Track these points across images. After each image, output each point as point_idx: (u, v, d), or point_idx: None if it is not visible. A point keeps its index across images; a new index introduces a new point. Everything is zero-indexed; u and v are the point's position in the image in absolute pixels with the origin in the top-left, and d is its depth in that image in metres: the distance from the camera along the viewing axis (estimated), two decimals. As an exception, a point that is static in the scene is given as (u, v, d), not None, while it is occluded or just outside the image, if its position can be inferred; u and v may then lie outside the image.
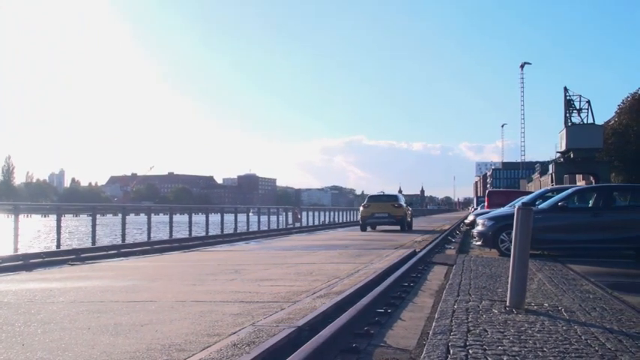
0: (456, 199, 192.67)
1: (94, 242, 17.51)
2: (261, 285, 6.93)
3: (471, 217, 23.33)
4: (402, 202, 24.28)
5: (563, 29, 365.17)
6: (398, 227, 22.99)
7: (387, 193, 28.15)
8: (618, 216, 11.80)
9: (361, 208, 24.21)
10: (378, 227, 24.32)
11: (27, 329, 4.53)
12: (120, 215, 21.58)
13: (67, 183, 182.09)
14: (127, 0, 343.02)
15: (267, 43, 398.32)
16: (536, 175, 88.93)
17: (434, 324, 4.69)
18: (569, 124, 49.80)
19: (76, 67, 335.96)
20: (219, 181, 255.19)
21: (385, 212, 22.96)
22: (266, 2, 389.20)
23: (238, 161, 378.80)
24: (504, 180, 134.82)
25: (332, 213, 46.15)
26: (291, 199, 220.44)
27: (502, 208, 16.06)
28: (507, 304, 5.45)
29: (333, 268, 8.75)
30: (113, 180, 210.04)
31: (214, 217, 29.24)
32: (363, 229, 23.45)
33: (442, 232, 20.86)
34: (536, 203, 13.11)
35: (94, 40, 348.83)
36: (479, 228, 12.61)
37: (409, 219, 24.48)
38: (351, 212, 50.39)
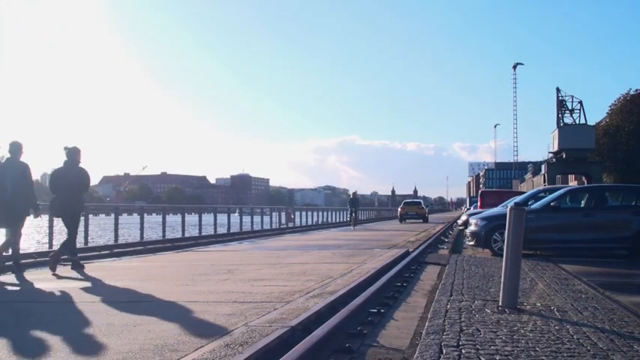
0: (449, 199, 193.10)
1: (86, 242, 17.40)
2: (254, 285, 6.92)
3: (464, 217, 23.41)
4: (423, 205, 41.23)
5: (556, 30, 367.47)
6: (421, 220, 36.23)
7: (413, 199, 51.62)
8: (610, 216, 11.86)
9: (399, 209, 39.16)
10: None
11: (18, 330, 4.51)
12: (112, 215, 21.47)
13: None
14: (119, 2, 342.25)
15: (260, 43, 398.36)
16: (528, 176, 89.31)
17: (427, 324, 4.70)
18: (562, 124, 49.99)
19: (69, 67, 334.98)
20: (212, 181, 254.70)
21: (414, 211, 37.83)
22: (259, 3, 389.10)
23: (231, 161, 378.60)
24: (497, 180, 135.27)
25: (325, 213, 46.14)
26: (284, 199, 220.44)
27: (495, 209, 16.11)
28: (500, 303, 5.47)
29: (327, 268, 8.75)
30: (106, 180, 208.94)
31: (207, 217, 29.16)
32: (401, 221, 36.53)
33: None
34: (529, 203, 13.16)
35: (87, 41, 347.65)
36: (472, 228, 12.64)
37: (427, 215, 39.09)
38: (344, 212, 50.41)
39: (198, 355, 3.63)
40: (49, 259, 8.88)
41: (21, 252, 9.62)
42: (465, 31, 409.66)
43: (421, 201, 45.05)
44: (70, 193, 9.03)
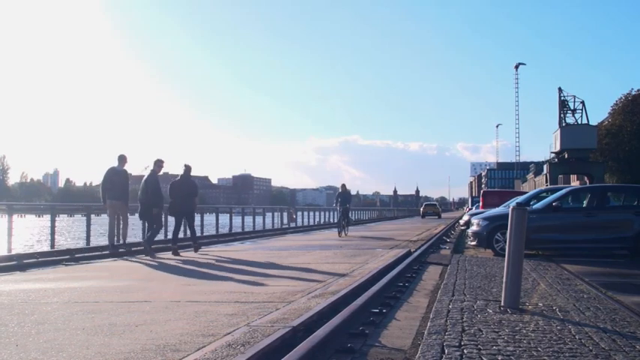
0: (451, 199, 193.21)
1: (88, 242, 17.34)
2: (256, 285, 6.92)
3: (465, 217, 23.38)
4: (438, 205, 64.39)
5: (558, 30, 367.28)
6: (436, 217, 52.62)
7: (431, 201, 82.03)
8: (612, 216, 11.85)
9: (421, 208, 59.75)
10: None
11: (21, 330, 4.51)
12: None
13: (61, 183, 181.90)
14: (120, 2, 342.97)
15: (261, 43, 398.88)
16: (530, 176, 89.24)
17: (429, 324, 4.70)
18: (564, 124, 49.97)
19: (71, 68, 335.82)
20: (214, 181, 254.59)
21: (432, 210, 56.78)
22: (260, 3, 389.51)
23: (233, 161, 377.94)
24: (499, 180, 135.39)
25: (327, 213, 46.09)
26: (286, 199, 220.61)
27: (497, 208, 16.08)
28: (502, 303, 5.46)
29: (328, 268, 8.75)
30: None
31: (209, 217, 29.14)
32: (423, 217, 53.46)
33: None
34: (531, 203, 13.14)
35: (89, 41, 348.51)
36: (474, 228, 12.62)
37: (440, 213, 58.27)
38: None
39: (200, 355, 3.64)
40: (173, 247, 12.43)
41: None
42: (466, 31, 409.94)
43: (437, 203, 72.68)
44: (185, 198, 12.49)
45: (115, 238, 13.13)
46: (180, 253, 12.13)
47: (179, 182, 12.67)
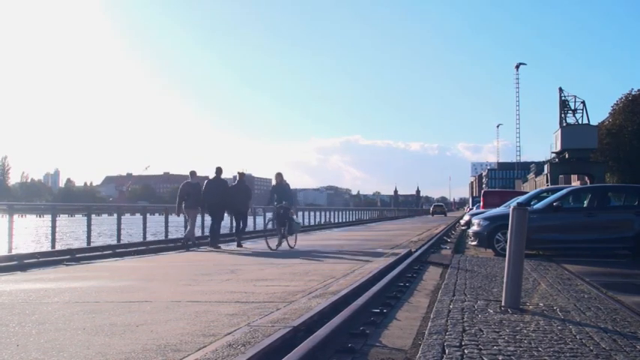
0: (451, 200, 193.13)
1: (89, 242, 17.38)
2: (256, 285, 6.92)
3: (466, 217, 23.39)
4: (444, 205, 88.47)
5: (558, 30, 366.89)
6: (443, 215, 64.21)
7: (439, 203, 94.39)
8: (612, 216, 11.85)
9: (431, 208, 77.02)
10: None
11: (21, 330, 4.52)
12: (115, 215, 21.47)
13: (62, 183, 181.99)
14: (120, 2, 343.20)
15: (262, 43, 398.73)
16: (531, 176, 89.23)
17: (429, 324, 4.70)
18: (564, 124, 50.00)
19: (71, 68, 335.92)
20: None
21: (439, 210, 70.93)
22: (261, 3, 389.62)
23: (234, 161, 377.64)
24: (500, 180, 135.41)
25: (328, 213, 46.08)
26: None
27: (497, 209, 16.08)
28: (503, 303, 5.46)
29: (329, 268, 8.76)
30: (108, 180, 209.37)
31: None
32: (432, 215, 65.93)
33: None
34: (532, 203, 13.14)
35: (89, 41, 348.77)
36: (474, 228, 12.62)
37: (446, 212, 72.91)
38: (347, 212, 50.41)
39: (201, 355, 3.64)
40: (237, 238, 15.04)
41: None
42: (466, 31, 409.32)
43: (443, 204, 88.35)
44: (240, 200, 14.54)
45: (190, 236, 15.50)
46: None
47: (236, 187, 14.72)
